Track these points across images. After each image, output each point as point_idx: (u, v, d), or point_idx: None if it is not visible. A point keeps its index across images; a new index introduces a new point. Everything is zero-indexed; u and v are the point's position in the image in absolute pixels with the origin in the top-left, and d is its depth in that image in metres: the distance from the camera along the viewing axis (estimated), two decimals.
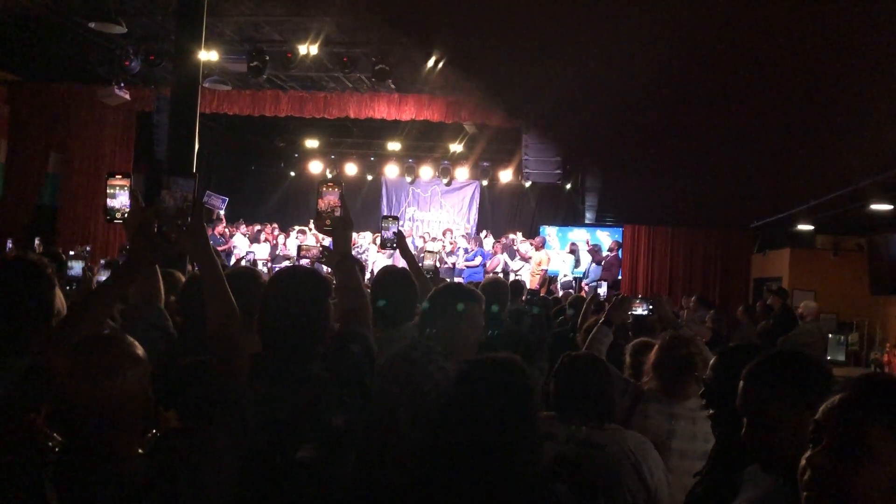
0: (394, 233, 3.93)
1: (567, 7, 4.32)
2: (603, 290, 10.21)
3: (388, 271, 3.62)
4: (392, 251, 6.54)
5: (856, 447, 1.25)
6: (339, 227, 2.45)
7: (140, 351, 1.66)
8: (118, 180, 2.58)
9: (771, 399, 1.73)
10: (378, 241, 15.87)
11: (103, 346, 1.65)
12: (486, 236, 16.57)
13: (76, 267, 2.84)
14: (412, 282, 3.41)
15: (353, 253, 2.52)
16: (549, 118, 8.05)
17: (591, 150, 9.09)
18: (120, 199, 2.57)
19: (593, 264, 14.85)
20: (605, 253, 15.30)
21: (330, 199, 2.43)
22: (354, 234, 16.14)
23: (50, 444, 1.57)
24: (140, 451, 1.68)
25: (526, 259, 15.26)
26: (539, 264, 14.85)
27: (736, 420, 1.85)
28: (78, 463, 1.55)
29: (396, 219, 4.12)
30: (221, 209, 15.84)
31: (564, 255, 15.53)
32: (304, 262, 13.13)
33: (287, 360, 2.14)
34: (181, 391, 2.07)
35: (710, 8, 3.97)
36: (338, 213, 2.43)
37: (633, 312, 4.41)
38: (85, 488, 1.52)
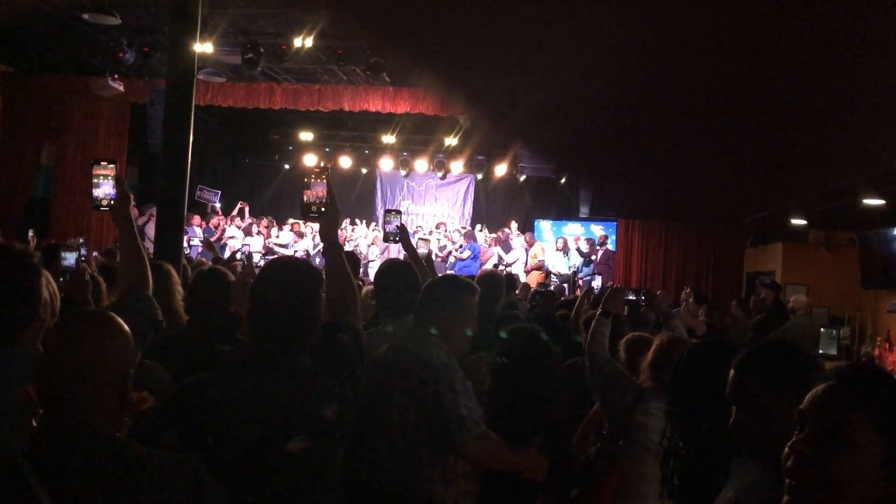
0: (396, 226, 3.96)
1: (547, 9, 4.32)
2: (597, 284, 10.22)
3: (391, 264, 3.64)
4: (392, 244, 6.58)
5: (837, 436, 1.28)
6: (326, 215, 2.45)
7: (123, 327, 1.68)
8: (103, 168, 2.57)
9: (761, 388, 1.74)
10: (375, 232, 15.94)
11: (84, 319, 1.69)
12: (480, 230, 16.57)
13: (70, 258, 2.84)
14: (415, 274, 3.42)
15: (349, 246, 2.56)
16: (534, 123, 8.04)
17: (581, 149, 9.09)
18: (104, 187, 2.56)
19: (583, 264, 14.89)
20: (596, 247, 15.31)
21: (317, 190, 2.42)
22: (349, 228, 16.24)
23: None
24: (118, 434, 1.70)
25: (531, 244, 15.35)
26: (535, 257, 15.01)
27: (703, 413, 1.87)
28: (55, 441, 1.57)
29: (399, 213, 4.15)
30: (215, 202, 15.81)
31: (554, 252, 15.54)
32: (299, 253, 13.10)
33: (277, 352, 2.13)
34: (185, 410, 2.08)
35: (703, 3, 3.98)
36: (324, 202, 2.43)
37: (626, 298, 4.45)
38: (64, 468, 1.53)
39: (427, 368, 2.71)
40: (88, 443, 1.57)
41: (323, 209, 2.42)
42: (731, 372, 1.81)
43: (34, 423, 1.67)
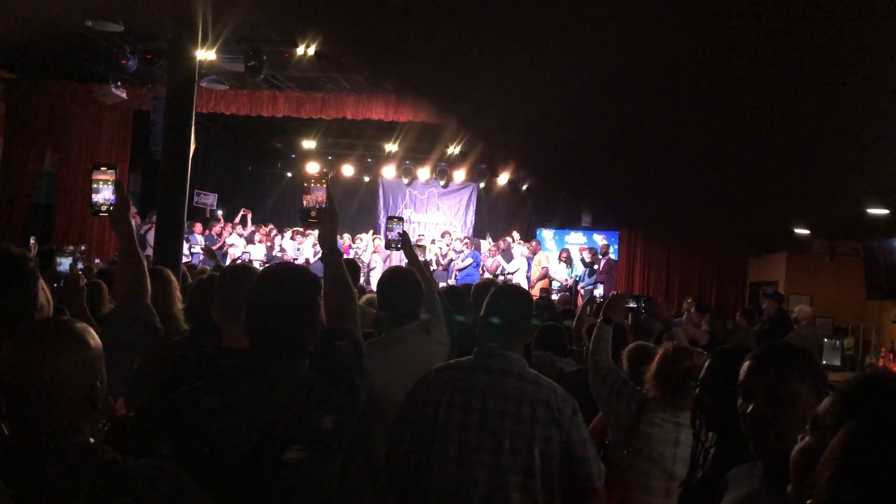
0: (398, 233, 3.91)
1: (543, 22, 4.30)
2: (599, 292, 10.18)
3: (394, 271, 3.57)
4: (394, 251, 6.56)
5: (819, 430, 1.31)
6: (325, 220, 2.42)
7: (88, 337, 1.64)
8: (103, 173, 2.54)
9: (787, 375, 1.75)
10: (377, 240, 15.91)
11: (44, 329, 1.66)
12: (486, 239, 16.56)
13: (64, 263, 2.81)
14: (418, 282, 3.35)
15: (352, 254, 2.52)
16: (529, 141, 8.02)
17: (580, 162, 9.07)
18: (104, 192, 2.54)
19: (587, 273, 14.89)
20: (598, 256, 15.32)
21: (317, 195, 2.40)
22: (348, 235, 16.23)
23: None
24: (92, 440, 1.67)
25: (535, 252, 15.42)
26: (539, 264, 15.14)
27: (729, 418, 1.85)
28: (23, 449, 1.55)
29: (402, 220, 4.11)
30: (213, 206, 15.79)
31: (556, 263, 15.58)
32: (299, 260, 13.05)
33: (276, 360, 2.09)
34: (181, 420, 2.04)
35: (705, 13, 3.95)
36: (324, 207, 2.40)
37: (626, 305, 4.42)
38: (33, 476, 1.51)
39: (556, 397, 2.61)
40: (57, 450, 1.55)
41: (322, 215, 2.40)
42: (747, 363, 1.79)
43: (4, 429, 1.65)
